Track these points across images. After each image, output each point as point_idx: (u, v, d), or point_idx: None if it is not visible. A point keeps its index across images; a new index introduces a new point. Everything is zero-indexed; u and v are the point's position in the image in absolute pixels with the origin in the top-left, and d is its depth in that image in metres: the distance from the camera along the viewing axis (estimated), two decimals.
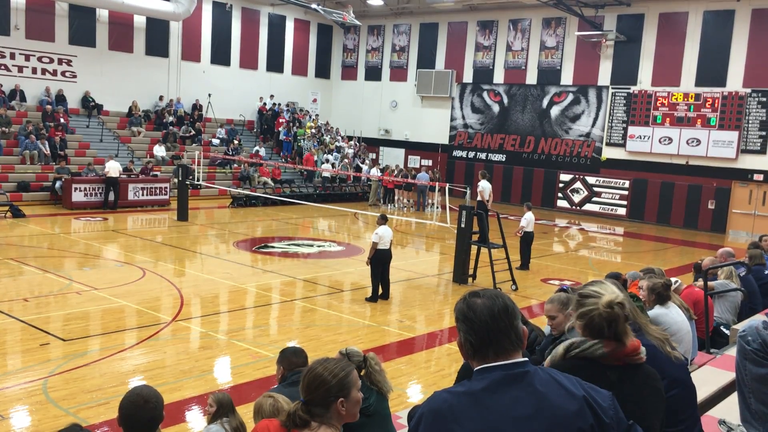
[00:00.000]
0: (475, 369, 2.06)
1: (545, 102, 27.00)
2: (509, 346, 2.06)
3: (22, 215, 17.88)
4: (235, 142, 26.64)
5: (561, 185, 26.74)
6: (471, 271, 13.40)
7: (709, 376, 4.85)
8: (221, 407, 4.57)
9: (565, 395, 2.03)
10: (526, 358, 2.08)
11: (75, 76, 24.41)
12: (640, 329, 3.13)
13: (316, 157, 27.30)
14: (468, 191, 14.36)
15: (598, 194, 25.89)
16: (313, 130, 28.71)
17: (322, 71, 32.85)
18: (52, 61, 23.85)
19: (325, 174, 26.54)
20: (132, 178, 21.14)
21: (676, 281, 7.29)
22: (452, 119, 29.63)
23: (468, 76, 28.98)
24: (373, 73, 32.09)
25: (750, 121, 22.44)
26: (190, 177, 19.70)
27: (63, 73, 24.17)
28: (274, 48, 30.45)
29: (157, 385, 3.81)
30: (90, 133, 23.90)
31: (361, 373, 5.00)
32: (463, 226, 13.22)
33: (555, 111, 26.77)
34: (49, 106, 22.99)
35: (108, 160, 20.66)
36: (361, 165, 28.20)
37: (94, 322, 9.77)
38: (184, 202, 19.06)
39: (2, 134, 21.39)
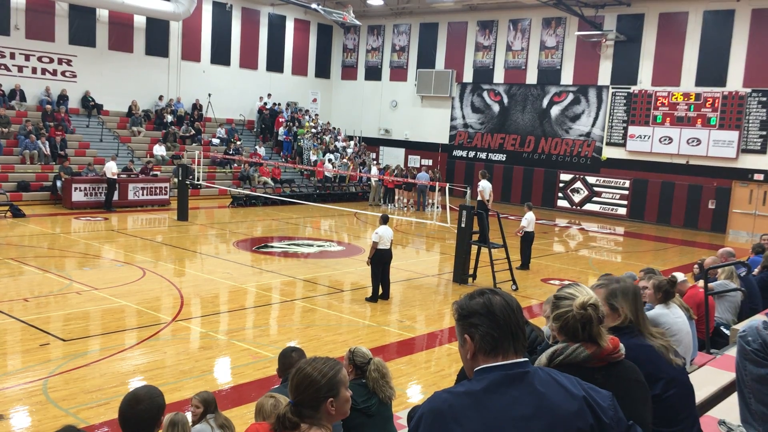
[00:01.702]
0: (475, 369, 2.06)
1: (545, 102, 27.00)
2: (525, 342, 2.09)
3: (22, 215, 17.88)
4: (238, 143, 26.59)
5: (561, 185, 26.74)
6: (471, 271, 13.41)
7: (709, 377, 4.85)
8: (207, 406, 4.58)
9: (565, 395, 2.04)
10: (526, 358, 2.08)
11: (75, 76, 24.41)
12: (641, 333, 3.13)
13: (315, 157, 27.31)
14: (468, 191, 14.36)
15: (599, 194, 25.89)
16: (313, 130, 28.71)
17: (322, 71, 32.85)
18: (52, 61, 23.85)
19: (326, 174, 26.54)
20: (132, 177, 21.14)
21: (683, 279, 7.28)
22: (452, 119, 29.63)
23: (468, 76, 28.98)
24: (373, 73, 32.09)
25: (750, 121, 22.44)
26: (190, 177, 19.70)
27: (63, 73, 24.17)
28: (274, 48, 30.44)
29: (157, 385, 3.81)
30: (90, 133, 23.91)
31: (366, 375, 5.01)
32: (463, 225, 13.22)
33: (555, 111, 26.76)
34: (49, 106, 23.00)
35: (107, 161, 20.68)
36: (365, 161, 28.21)
37: (94, 322, 9.77)
38: (184, 202, 19.06)
39: (2, 134, 21.38)
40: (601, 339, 2.60)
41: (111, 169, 20.00)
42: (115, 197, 20.44)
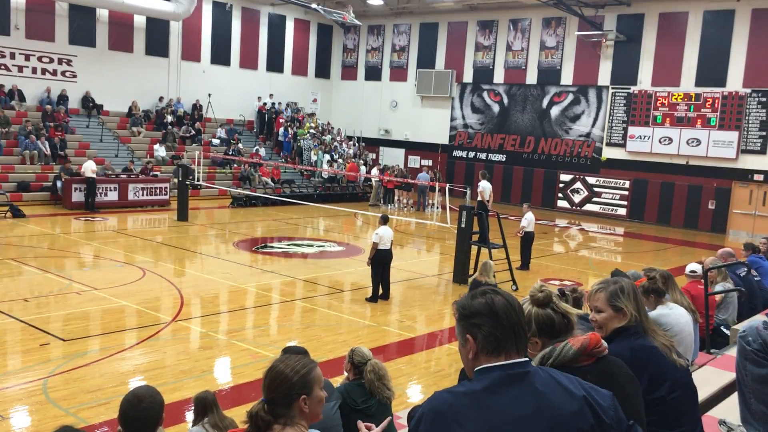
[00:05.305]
0: (476, 369, 2.06)
1: (545, 102, 26.99)
2: (526, 341, 2.12)
3: (22, 215, 17.88)
4: (240, 146, 26.53)
5: (561, 185, 26.74)
6: (471, 271, 13.39)
7: (709, 377, 4.85)
8: (197, 407, 4.59)
9: (566, 395, 2.03)
10: (527, 358, 2.08)
11: (75, 76, 24.40)
12: (645, 331, 3.13)
13: (315, 157, 27.30)
14: (468, 191, 14.36)
15: (599, 194, 25.88)
16: (312, 131, 28.71)
17: (322, 71, 32.84)
18: (52, 61, 23.85)
19: (325, 174, 26.57)
20: (132, 178, 21.14)
21: (693, 271, 7.25)
22: (452, 119, 29.63)
23: (468, 76, 28.98)
24: (373, 73, 32.09)
25: (750, 121, 22.44)
26: (190, 177, 19.69)
27: (63, 73, 24.17)
28: (274, 48, 30.44)
29: (157, 385, 3.81)
30: (90, 133, 23.91)
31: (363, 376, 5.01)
32: (463, 226, 13.23)
33: (555, 111, 26.76)
34: (48, 106, 22.99)
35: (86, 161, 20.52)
36: (361, 163, 28.23)
37: (94, 322, 9.77)
38: (184, 202, 19.06)
39: (2, 134, 21.37)
40: (570, 314, 2.67)
41: (90, 167, 19.80)
42: (115, 197, 20.46)
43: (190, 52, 27.54)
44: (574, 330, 2.67)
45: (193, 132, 26.26)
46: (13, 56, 22.91)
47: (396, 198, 25.64)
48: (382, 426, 2.65)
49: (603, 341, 2.66)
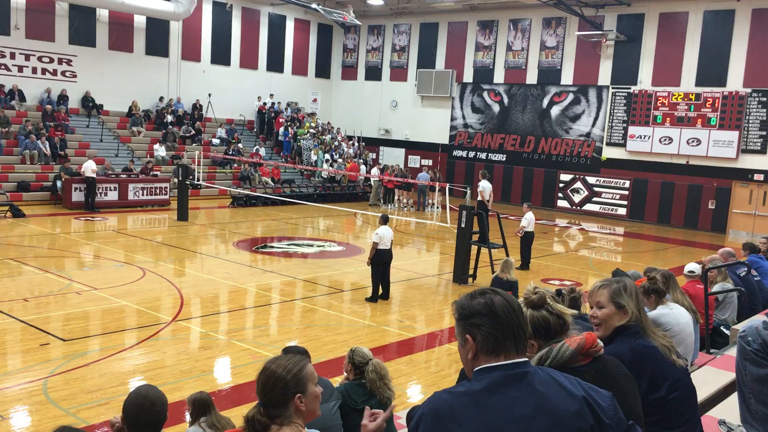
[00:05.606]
0: (475, 369, 2.06)
1: (545, 102, 26.99)
2: (526, 341, 2.10)
3: (22, 215, 17.88)
4: (240, 146, 26.53)
5: (561, 185, 26.73)
6: (471, 271, 13.41)
7: (709, 377, 4.85)
8: (193, 408, 4.60)
9: (565, 395, 2.03)
10: (526, 358, 2.08)
11: (75, 76, 24.40)
12: (645, 331, 3.12)
13: (315, 157, 27.30)
14: (468, 191, 14.35)
15: (599, 194, 25.88)
16: (312, 130, 28.71)
17: (322, 71, 32.84)
18: (52, 61, 23.85)
19: (325, 174, 26.57)
20: (132, 177, 21.14)
21: (691, 272, 7.25)
22: (452, 119, 29.62)
23: (468, 76, 28.97)
24: (373, 73, 32.08)
25: (750, 121, 22.44)
26: (190, 177, 19.69)
27: (63, 73, 24.17)
28: (274, 48, 30.44)
29: (157, 385, 3.81)
30: (90, 133, 23.90)
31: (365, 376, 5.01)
32: (463, 226, 13.22)
33: (555, 111, 26.76)
34: (49, 106, 23.00)
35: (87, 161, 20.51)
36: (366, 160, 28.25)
37: (94, 322, 9.77)
38: (184, 202, 19.06)
39: (2, 134, 21.37)
40: (565, 314, 2.66)
41: (90, 167, 19.76)
42: (115, 197, 20.46)
43: (190, 52, 27.54)
44: (569, 330, 2.67)
45: (193, 132, 26.26)
46: (13, 56, 22.92)
47: (396, 198, 25.64)
48: (387, 413, 2.65)
49: (599, 341, 2.66)
